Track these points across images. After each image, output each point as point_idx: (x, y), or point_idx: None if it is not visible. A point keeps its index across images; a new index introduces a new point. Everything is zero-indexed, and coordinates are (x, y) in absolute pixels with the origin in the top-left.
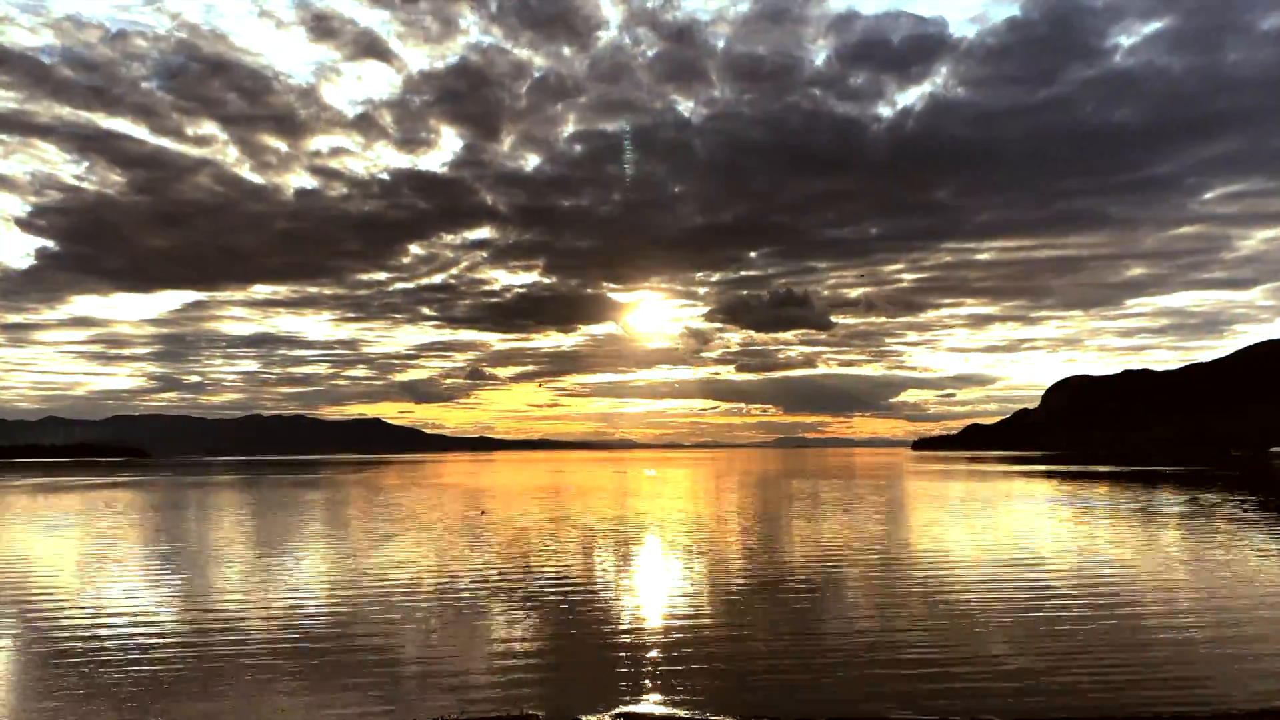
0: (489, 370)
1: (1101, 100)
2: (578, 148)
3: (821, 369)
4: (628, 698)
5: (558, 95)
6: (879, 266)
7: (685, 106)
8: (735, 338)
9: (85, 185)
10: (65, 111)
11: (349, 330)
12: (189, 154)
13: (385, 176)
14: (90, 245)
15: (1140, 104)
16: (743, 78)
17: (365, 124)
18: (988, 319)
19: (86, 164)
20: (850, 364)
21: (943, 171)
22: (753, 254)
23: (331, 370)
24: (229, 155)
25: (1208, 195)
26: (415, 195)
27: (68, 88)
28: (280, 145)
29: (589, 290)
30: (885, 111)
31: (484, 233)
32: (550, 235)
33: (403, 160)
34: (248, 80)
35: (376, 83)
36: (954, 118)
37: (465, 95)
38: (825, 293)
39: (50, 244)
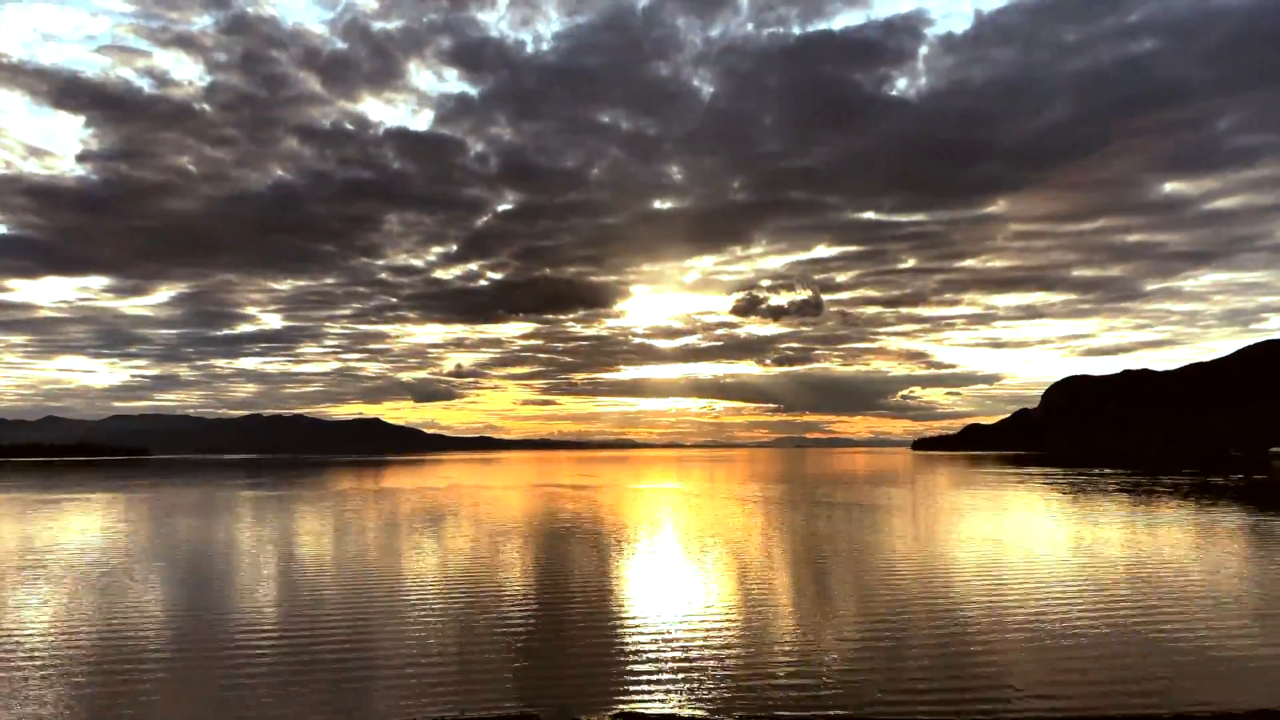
0: (487, 369)
1: (1161, 40)
2: (560, 90)
3: (822, 366)
4: (628, 698)
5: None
6: (886, 246)
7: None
8: (733, 332)
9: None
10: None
11: (346, 327)
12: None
13: (361, 132)
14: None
15: (1205, 41)
16: None
17: (340, 63)
18: (998, 311)
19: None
20: (852, 359)
21: (976, 133)
22: (756, 233)
23: (331, 369)
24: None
25: (1260, 166)
26: (400, 159)
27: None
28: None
29: (580, 280)
30: (923, 50)
31: (474, 213)
32: (538, 217)
33: (383, 112)
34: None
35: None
36: (991, 62)
37: (443, 26)
38: (826, 280)
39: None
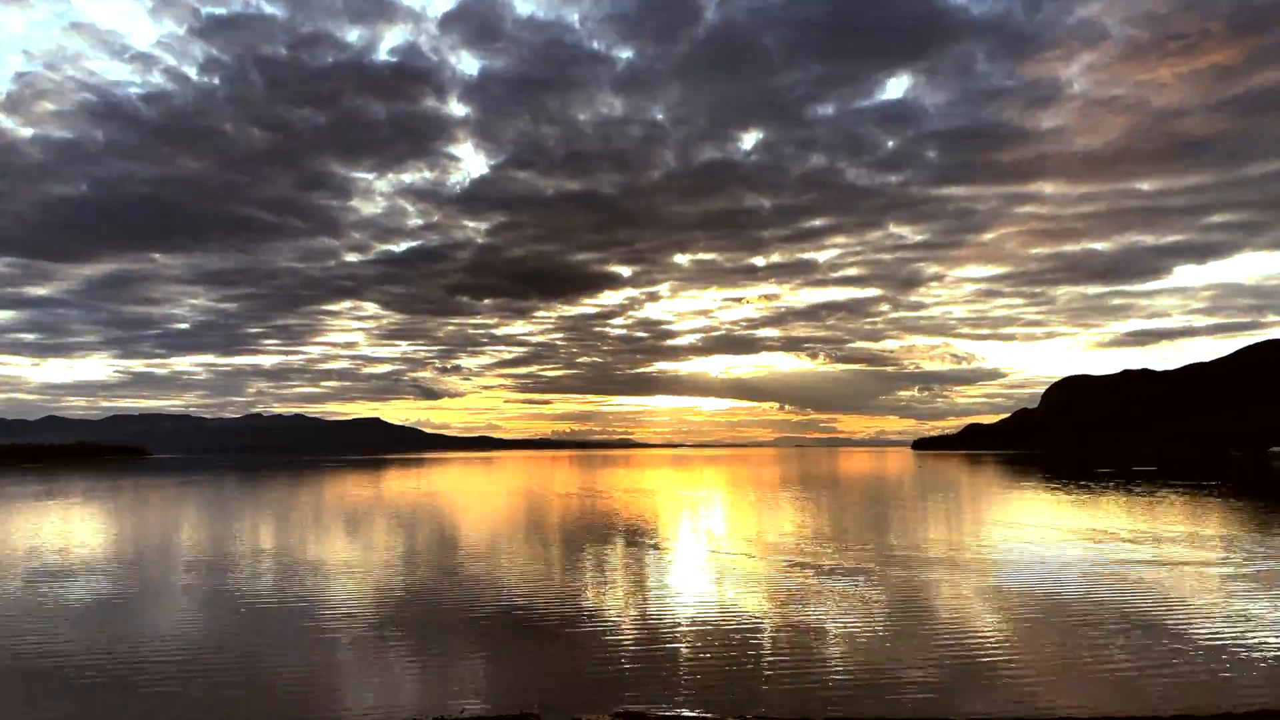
0: (486, 369)
1: None
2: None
3: (823, 363)
4: (628, 698)
5: None
6: (890, 232)
7: None
8: (733, 329)
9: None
10: None
11: (346, 324)
12: None
13: (315, 62)
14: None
15: None
16: None
17: None
18: (1001, 308)
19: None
20: (853, 357)
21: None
22: (762, 206)
23: (331, 368)
24: None
25: None
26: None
27: None
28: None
29: (574, 273)
30: None
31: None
32: (519, 196)
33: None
34: None
35: None
36: None
37: None
38: (828, 274)
39: None
